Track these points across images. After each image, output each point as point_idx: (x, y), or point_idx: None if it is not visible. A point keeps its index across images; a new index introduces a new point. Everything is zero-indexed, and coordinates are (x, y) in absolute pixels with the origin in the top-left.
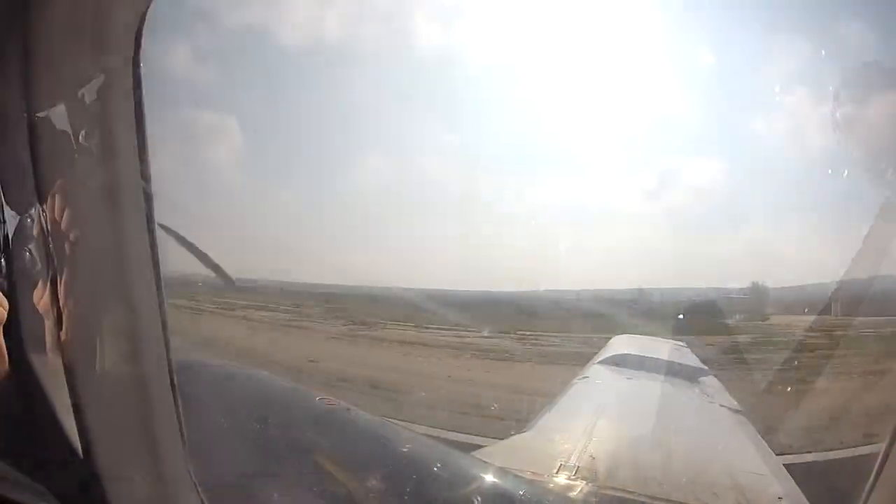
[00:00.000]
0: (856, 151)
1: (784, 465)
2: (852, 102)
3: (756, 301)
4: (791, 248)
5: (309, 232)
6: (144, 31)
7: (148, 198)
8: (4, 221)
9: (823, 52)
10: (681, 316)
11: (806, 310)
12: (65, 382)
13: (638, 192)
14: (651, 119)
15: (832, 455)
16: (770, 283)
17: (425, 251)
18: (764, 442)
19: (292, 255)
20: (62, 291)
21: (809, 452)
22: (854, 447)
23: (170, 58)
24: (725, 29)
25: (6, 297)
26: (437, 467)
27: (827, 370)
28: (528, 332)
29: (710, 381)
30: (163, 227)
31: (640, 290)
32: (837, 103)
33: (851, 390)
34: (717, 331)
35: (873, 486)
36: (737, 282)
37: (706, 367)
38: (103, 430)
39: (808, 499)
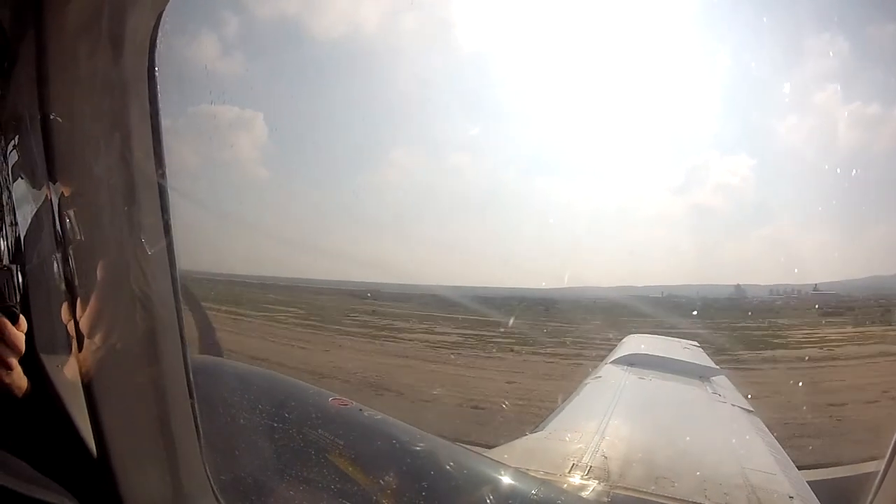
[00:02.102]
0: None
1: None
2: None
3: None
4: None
5: (333, 229)
6: (160, 33)
7: (164, 199)
8: (17, 223)
9: (851, 53)
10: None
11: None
12: (80, 382)
13: (664, 190)
14: (678, 118)
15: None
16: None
17: (453, 249)
18: (776, 441)
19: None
20: (77, 292)
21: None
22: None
23: (190, 54)
24: (751, 30)
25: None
26: (450, 467)
27: None
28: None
29: (722, 381)
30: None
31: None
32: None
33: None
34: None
35: (875, 494)
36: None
37: (718, 367)
38: (120, 429)
39: None
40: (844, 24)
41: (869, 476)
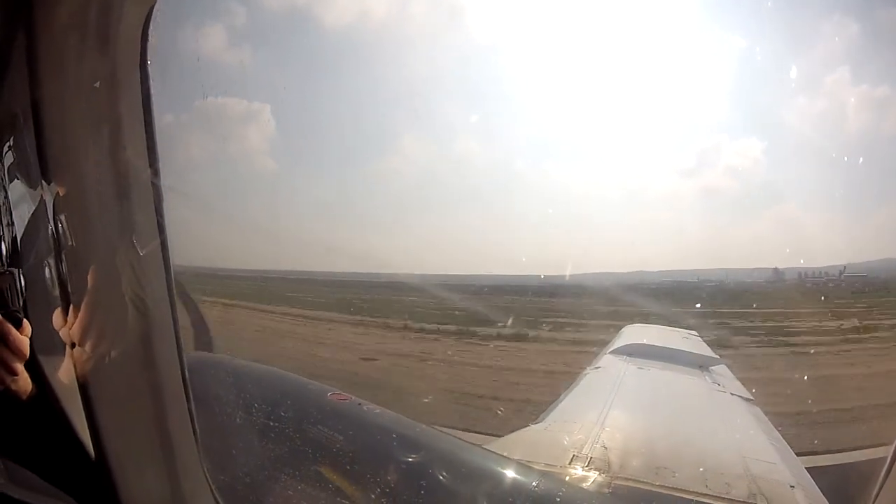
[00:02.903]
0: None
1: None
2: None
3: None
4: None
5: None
6: (151, 27)
7: (158, 197)
8: (13, 223)
9: (862, 37)
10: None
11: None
12: (77, 384)
13: (677, 172)
14: (690, 101)
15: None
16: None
17: (465, 238)
18: (776, 430)
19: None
20: (72, 293)
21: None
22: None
23: (185, 47)
24: (763, 14)
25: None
26: (450, 460)
27: None
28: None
29: (722, 370)
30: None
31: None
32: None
33: None
34: None
35: (882, 484)
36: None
37: (717, 356)
38: (117, 430)
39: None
40: (854, 7)
41: (871, 463)
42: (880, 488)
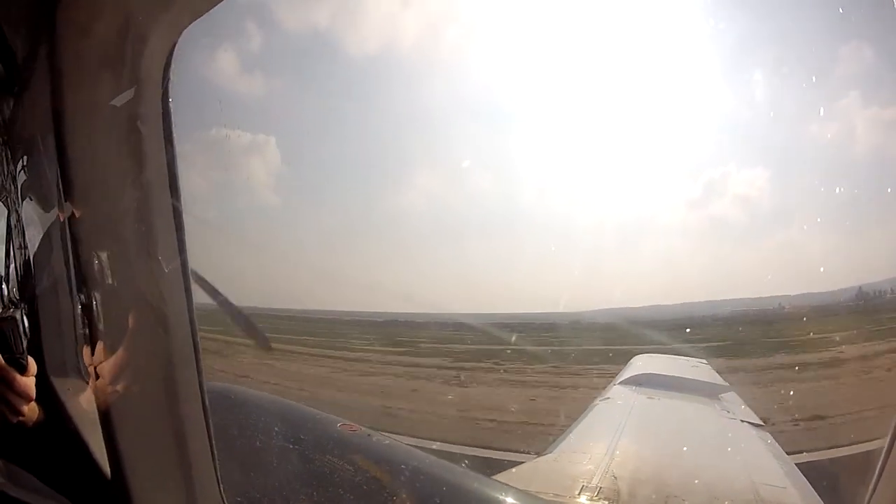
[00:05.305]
0: None
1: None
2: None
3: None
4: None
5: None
6: (174, 60)
7: (179, 224)
8: (27, 247)
9: (872, 63)
10: None
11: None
12: (96, 406)
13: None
14: (693, 128)
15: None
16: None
17: (476, 274)
18: (786, 455)
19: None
20: (91, 314)
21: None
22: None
23: (206, 80)
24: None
25: (30, 317)
26: (461, 491)
27: None
28: None
29: (731, 397)
30: (197, 277)
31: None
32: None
33: None
34: None
35: (878, 481)
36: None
37: (726, 384)
38: (136, 453)
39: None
40: (865, 33)
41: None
42: (875, 486)
